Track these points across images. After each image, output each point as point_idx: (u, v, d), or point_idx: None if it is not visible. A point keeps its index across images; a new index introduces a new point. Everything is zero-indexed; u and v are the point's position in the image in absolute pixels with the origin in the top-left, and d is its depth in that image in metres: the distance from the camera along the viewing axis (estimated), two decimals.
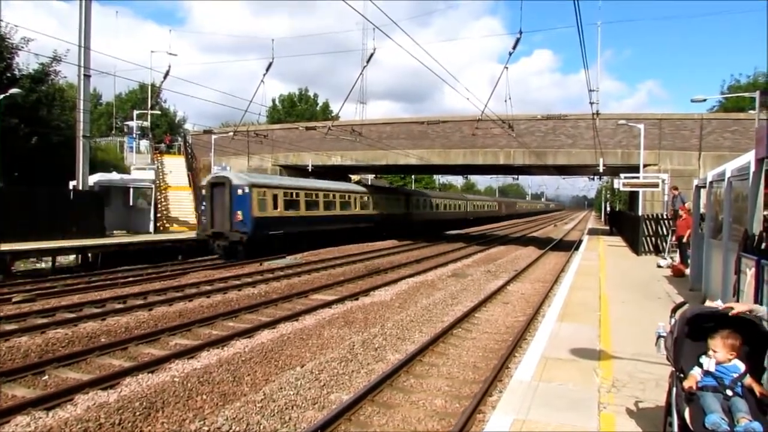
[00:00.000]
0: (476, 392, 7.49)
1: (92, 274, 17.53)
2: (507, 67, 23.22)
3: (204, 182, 23.47)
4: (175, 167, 32.06)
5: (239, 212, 21.88)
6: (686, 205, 18.12)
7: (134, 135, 32.91)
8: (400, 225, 38.07)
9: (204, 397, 7.44)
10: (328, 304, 13.77)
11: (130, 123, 34.26)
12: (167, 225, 27.78)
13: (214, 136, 33.52)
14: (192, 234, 25.89)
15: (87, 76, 22.91)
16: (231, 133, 33.57)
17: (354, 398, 7.10)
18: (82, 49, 22.21)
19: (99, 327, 10.94)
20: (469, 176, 71.00)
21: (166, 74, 25.03)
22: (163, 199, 29.28)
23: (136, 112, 34.92)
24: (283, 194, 24.69)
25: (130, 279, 17.01)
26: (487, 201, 72.32)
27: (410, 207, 40.51)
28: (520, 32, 19.10)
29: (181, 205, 29.69)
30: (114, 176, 25.54)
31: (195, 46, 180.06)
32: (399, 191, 42.89)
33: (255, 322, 11.81)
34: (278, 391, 7.56)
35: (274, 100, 59.68)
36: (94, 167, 25.53)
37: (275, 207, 23.94)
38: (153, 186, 25.89)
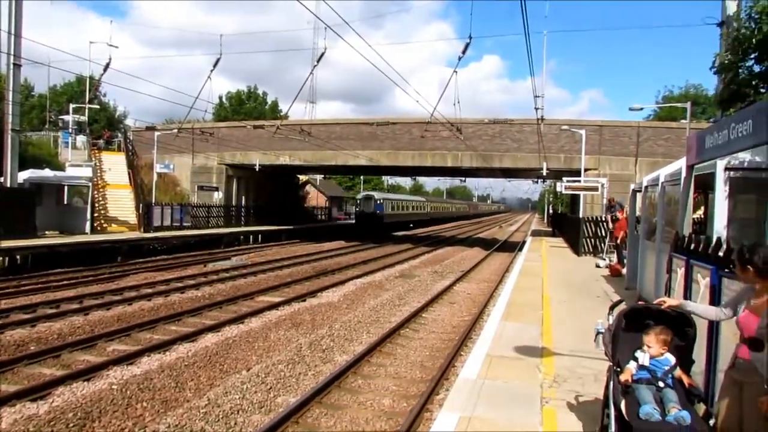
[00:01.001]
0: (423, 391, 7.59)
1: (21, 278, 16.64)
2: (456, 71, 23.60)
3: (360, 195, 48.91)
4: (115, 164, 30.91)
5: (377, 211, 45.94)
6: (624, 208, 18.92)
7: (70, 130, 31.46)
8: (438, 219, 69.45)
9: (144, 404, 7.22)
10: (274, 306, 13.61)
11: (65, 117, 32.63)
12: (105, 225, 26.75)
13: (157, 133, 32.51)
14: (132, 234, 25.07)
15: (17, 66, 21.74)
16: (175, 131, 32.66)
17: (301, 400, 7.06)
18: (12, 36, 21.07)
19: (28, 334, 10.37)
20: (417, 178, 71.66)
21: (106, 67, 24.18)
22: (101, 198, 28.17)
23: (72, 106, 33.33)
24: (392, 203, 49.46)
25: (65, 282, 16.22)
26: (458, 203, 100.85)
27: (431, 208, 69.79)
28: (470, 37, 19.52)
29: (121, 204, 28.65)
30: (47, 173, 24.30)
31: (138, 40, 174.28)
32: (430, 199, 76.55)
33: (198, 325, 11.54)
34: (223, 395, 7.43)
35: (221, 98, 58.34)
36: (25, 163, 24.22)
37: (393, 210, 49.62)
38: (90, 184, 24.82)
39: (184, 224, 30.02)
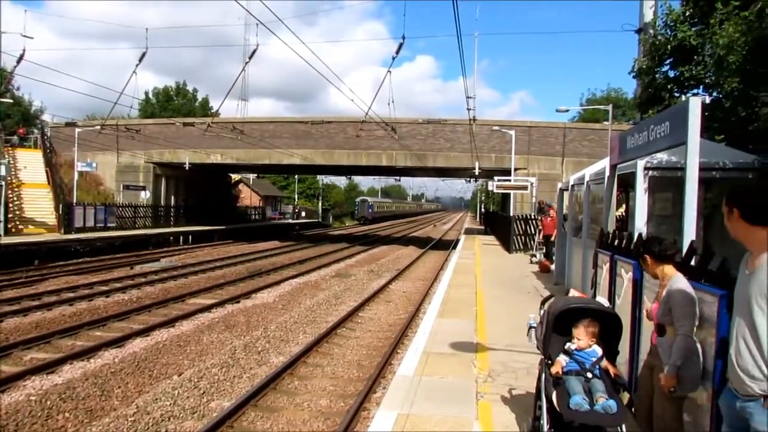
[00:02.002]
0: (361, 390, 7.59)
1: None
2: (390, 71, 23.83)
3: (358, 199, 75.16)
4: (31, 162, 29.14)
5: (369, 210, 71.02)
6: (554, 206, 19.67)
7: None
8: (406, 216, 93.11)
9: (66, 415, 6.83)
10: (207, 309, 13.24)
11: None
12: (21, 227, 25.13)
13: (77, 130, 30.85)
14: (52, 236, 23.68)
15: None
16: (98, 127, 31.12)
17: (236, 404, 6.89)
18: None
19: None
20: (352, 177, 71.76)
21: (20, 58, 22.71)
22: (15, 198, 26.44)
23: None
24: (380, 205, 75.86)
25: None
26: (411, 204, 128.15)
27: (396, 207, 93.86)
28: (403, 37, 19.71)
29: (38, 204, 27.00)
30: None
31: (56, 31, 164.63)
32: (395, 201, 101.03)
33: (126, 330, 11.05)
34: (153, 402, 7.14)
35: (147, 94, 56.15)
36: None
37: (379, 209, 75.14)
38: (3, 183, 23.26)
39: (109, 225, 28.79)
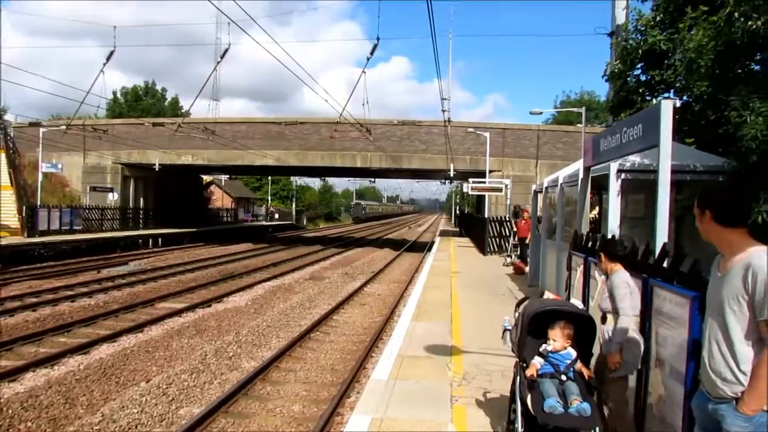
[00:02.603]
0: (334, 395, 7.52)
1: None
2: (365, 72, 23.75)
3: (353, 203, 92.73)
4: None
5: (363, 210, 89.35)
6: (528, 209, 19.88)
7: None
8: (390, 216, 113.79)
9: (29, 424, 6.62)
10: (177, 313, 13.01)
11: None
12: None
13: (42, 130, 30.09)
14: (15, 239, 23.04)
15: None
16: (63, 127, 30.37)
17: (206, 411, 6.76)
18: None
19: None
20: (326, 179, 71.50)
21: None
22: None
23: None
24: (370, 207, 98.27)
25: None
26: (393, 206, 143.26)
27: (381, 209, 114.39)
28: (378, 38, 19.73)
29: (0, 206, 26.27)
30: None
31: (20, 29, 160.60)
32: (381, 204, 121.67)
33: (92, 336, 10.78)
34: (120, 410, 6.97)
35: (115, 93, 55.13)
36: None
37: (369, 210, 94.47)
38: None
39: (75, 228, 28.18)
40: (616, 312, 4.19)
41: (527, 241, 17.41)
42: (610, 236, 6.03)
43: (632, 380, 4.40)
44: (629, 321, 4.13)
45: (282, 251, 30.75)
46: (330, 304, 14.64)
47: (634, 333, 4.17)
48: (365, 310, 14.36)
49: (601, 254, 4.53)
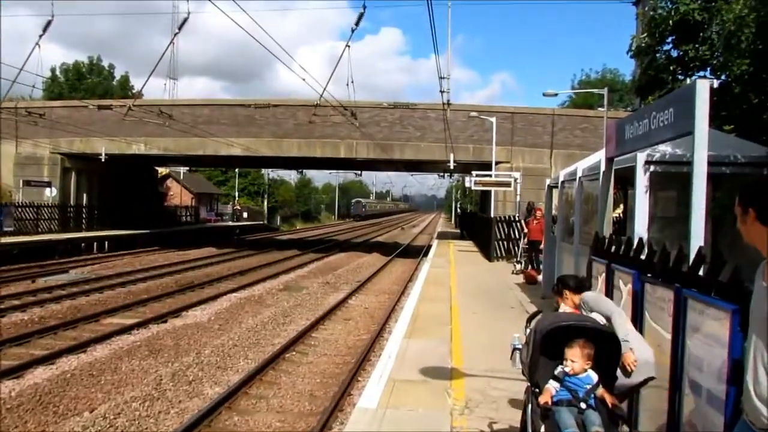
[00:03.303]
0: (314, 427, 7.51)
1: None
2: (349, 45, 23.63)
3: (354, 201, 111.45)
4: None
5: (363, 208, 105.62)
6: (541, 207, 19.95)
7: None
8: (388, 214, 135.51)
9: None
10: (126, 330, 12.95)
11: None
12: None
13: None
14: None
15: None
16: None
17: None
18: None
19: None
20: (304, 171, 71.23)
21: None
22: None
23: None
24: (370, 204, 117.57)
25: None
26: (389, 204, 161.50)
27: (379, 207, 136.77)
28: (364, 6, 19.61)
29: None
30: None
31: None
32: (379, 203, 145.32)
33: (25, 357, 10.69)
34: None
35: (53, 71, 54.73)
36: None
37: (369, 208, 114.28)
38: None
39: (6, 229, 28.02)
40: (607, 314, 4.52)
41: (540, 246, 17.48)
42: (636, 239, 6.06)
43: (663, 403, 4.50)
44: (624, 315, 4.62)
45: (251, 257, 30.67)
46: (308, 319, 14.63)
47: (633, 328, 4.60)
48: (350, 327, 14.36)
49: (566, 291, 4.91)
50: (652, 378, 4.35)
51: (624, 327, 4.37)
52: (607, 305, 4.65)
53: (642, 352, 4.28)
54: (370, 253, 35.32)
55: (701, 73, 11.15)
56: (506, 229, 24.20)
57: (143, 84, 47.05)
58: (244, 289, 19.30)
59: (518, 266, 19.39)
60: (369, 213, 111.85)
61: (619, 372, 4.16)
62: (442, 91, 21.40)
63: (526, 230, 20.01)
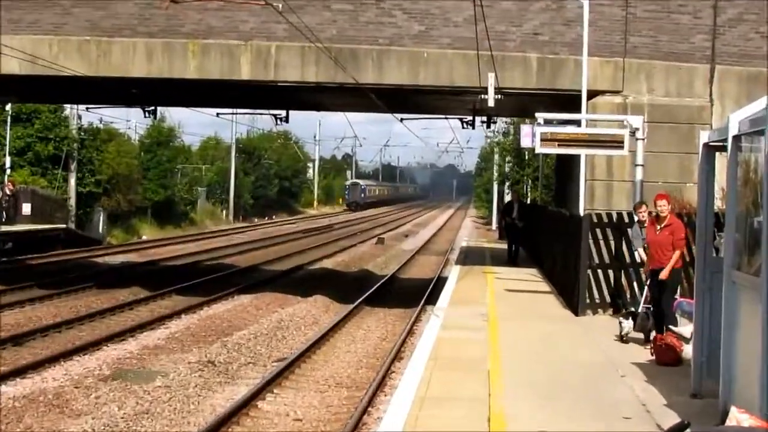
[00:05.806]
0: None
1: None
2: None
3: (348, 183, 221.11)
4: None
5: (361, 194, 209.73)
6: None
7: None
8: (397, 201, 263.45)
9: None
10: None
11: None
12: None
13: None
14: None
15: None
16: None
17: None
18: None
19: None
20: (161, 109, 70.56)
21: None
22: None
23: None
24: (370, 188, 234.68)
25: None
26: (399, 186, 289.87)
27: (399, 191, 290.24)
28: None
29: None
30: None
31: None
32: (379, 183, 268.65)
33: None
34: None
35: None
36: None
37: (370, 193, 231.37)
38: None
39: None
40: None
41: (675, 281, 17.50)
42: None
43: None
44: None
45: (36, 308, 30.84)
46: None
47: None
48: None
49: None
50: None
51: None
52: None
53: None
54: (308, 295, 35.39)
55: None
56: (615, 243, 24.06)
57: None
58: (22, 379, 19.33)
59: (626, 326, 19.14)
60: (370, 200, 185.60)
61: None
62: None
63: (643, 255, 19.81)
